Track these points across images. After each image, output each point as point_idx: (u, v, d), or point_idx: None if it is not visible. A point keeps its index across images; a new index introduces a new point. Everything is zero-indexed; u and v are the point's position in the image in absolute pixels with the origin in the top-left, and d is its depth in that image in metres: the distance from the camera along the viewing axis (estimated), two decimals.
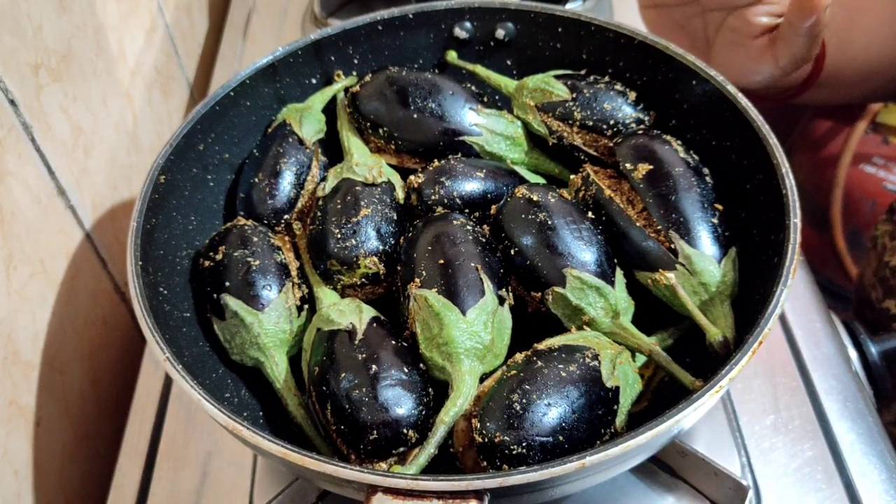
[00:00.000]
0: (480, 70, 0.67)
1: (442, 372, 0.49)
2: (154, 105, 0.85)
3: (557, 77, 0.62)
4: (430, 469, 0.45)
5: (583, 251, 0.51)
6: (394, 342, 0.50)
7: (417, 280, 0.51)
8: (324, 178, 0.61)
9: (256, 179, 0.61)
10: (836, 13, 0.70)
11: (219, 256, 0.56)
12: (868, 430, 0.58)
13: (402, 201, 0.59)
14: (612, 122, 0.60)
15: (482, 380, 0.49)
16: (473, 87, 0.64)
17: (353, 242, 0.54)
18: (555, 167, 0.64)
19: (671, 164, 0.54)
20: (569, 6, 0.86)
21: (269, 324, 0.53)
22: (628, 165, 0.55)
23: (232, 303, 0.53)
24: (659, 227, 0.52)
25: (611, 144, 0.59)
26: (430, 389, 0.49)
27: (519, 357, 0.49)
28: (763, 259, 0.51)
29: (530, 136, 0.64)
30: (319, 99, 0.66)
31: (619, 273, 0.53)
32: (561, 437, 0.44)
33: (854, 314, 0.87)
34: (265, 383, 0.54)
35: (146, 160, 0.81)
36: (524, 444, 0.43)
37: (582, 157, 0.61)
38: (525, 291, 0.53)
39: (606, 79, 0.62)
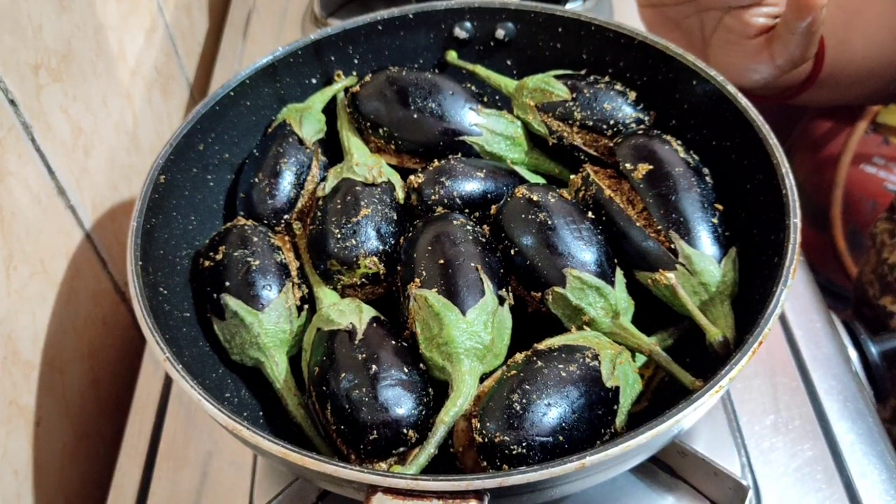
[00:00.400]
0: (480, 70, 0.67)
1: (442, 372, 0.49)
2: (154, 105, 0.85)
3: (557, 77, 0.62)
4: (430, 469, 0.45)
5: (583, 251, 0.51)
6: (394, 342, 0.50)
7: (417, 280, 0.51)
8: (324, 178, 0.61)
9: (256, 179, 0.61)
10: (835, 14, 0.70)
11: (219, 256, 0.56)
12: (868, 430, 0.58)
13: (402, 201, 0.59)
14: (612, 122, 0.60)
15: (482, 380, 0.49)
16: (473, 87, 0.64)
17: (353, 242, 0.54)
18: (555, 167, 0.64)
19: (671, 164, 0.54)
20: (569, 6, 0.86)
21: (269, 324, 0.53)
22: (628, 165, 0.55)
23: (232, 303, 0.53)
24: (659, 227, 0.52)
25: (611, 144, 0.59)
26: (430, 389, 0.49)
27: (519, 357, 0.49)
28: (763, 259, 0.51)
29: (530, 136, 0.64)
30: (319, 99, 0.66)
31: (619, 273, 0.53)
32: (561, 437, 0.44)
33: (853, 312, 0.87)
34: (265, 383, 0.54)
35: (146, 160, 0.81)
36: (524, 444, 0.43)
37: (582, 157, 0.61)
38: (525, 291, 0.53)
39: (606, 79, 0.62)
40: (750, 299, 0.50)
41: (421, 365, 0.50)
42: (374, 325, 0.51)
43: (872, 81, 0.75)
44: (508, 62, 0.69)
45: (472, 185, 0.58)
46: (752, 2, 0.64)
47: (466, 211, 0.57)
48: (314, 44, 0.66)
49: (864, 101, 0.99)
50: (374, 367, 0.47)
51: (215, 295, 0.54)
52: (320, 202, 0.58)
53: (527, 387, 0.45)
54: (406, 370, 0.48)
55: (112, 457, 0.63)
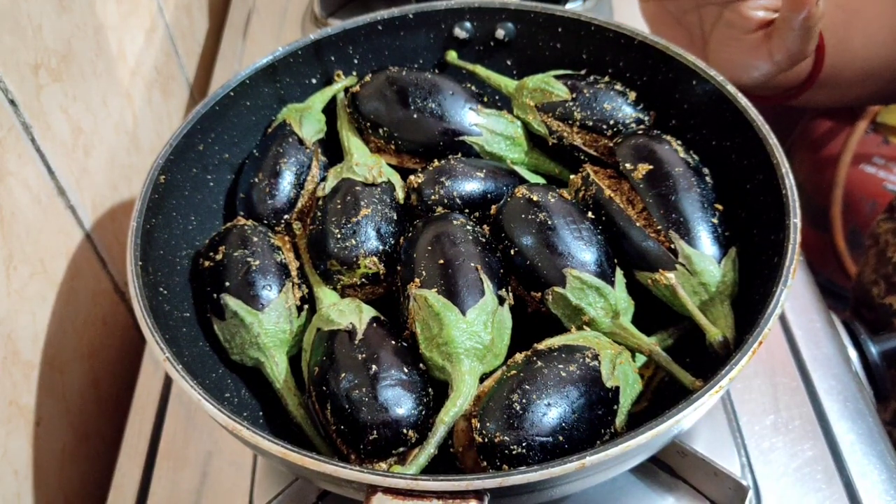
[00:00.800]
0: (480, 70, 0.67)
1: (442, 372, 0.49)
2: (154, 105, 0.85)
3: (557, 77, 0.62)
4: (430, 469, 0.45)
5: (583, 251, 0.51)
6: (394, 342, 0.50)
7: (417, 280, 0.51)
8: (324, 178, 0.61)
9: (256, 179, 0.61)
10: (834, 14, 0.70)
11: (219, 256, 0.56)
12: (868, 430, 0.58)
13: (402, 201, 0.59)
14: (612, 122, 0.60)
15: (482, 380, 0.49)
16: (473, 87, 0.64)
17: (353, 242, 0.54)
18: (555, 167, 0.64)
19: (671, 164, 0.54)
20: (569, 6, 0.86)
21: (269, 324, 0.53)
22: (628, 165, 0.55)
23: (232, 303, 0.53)
24: (659, 227, 0.52)
25: (611, 144, 0.59)
26: (430, 389, 0.49)
27: (519, 357, 0.49)
28: (763, 259, 0.51)
29: (530, 136, 0.64)
30: (319, 99, 0.66)
31: (619, 273, 0.53)
32: (561, 437, 0.44)
33: (852, 313, 0.87)
34: (265, 383, 0.54)
35: (146, 160, 0.81)
36: (524, 444, 0.43)
37: (582, 157, 0.62)
38: (525, 291, 0.53)
39: (606, 79, 0.62)
40: (750, 299, 0.50)
41: (421, 365, 0.50)
42: (374, 325, 0.51)
43: (873, 81, 0.75)
44: (508, 62, 0.69)
45: (472, 185, 0.58)
46: None
47: (466, 211, 0.57)
48: (314, 44, 0.66)
49: (865, 101, 0.99)
50: (374, 367, 0.47)
51: (215, 295, 0.54)
52: (320, 202, 0.58)
53: (527, 387, 0.45)
54: (406, 370, 0.48)
55: (112, 457, 0.63)
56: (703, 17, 0.69)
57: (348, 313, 0.51)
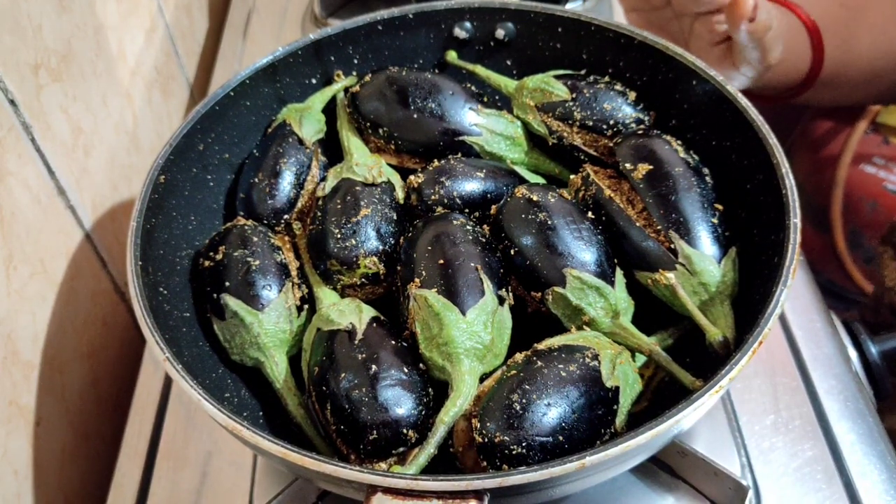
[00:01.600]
0: (480, 70, 0.67)
1: (442, 372, 0.49)
2: (154, 105, 0.85)
3: (557, 77, 0.62)
4: (430, 469, 0.45)
5: (583, 251, 0.51)
6: (394, 342, 0.50)
7: (417, 280, 0.51)
8: (324, 178, 0.62)
9: (256, 179, 0.61)
10: (837, 12, 0.70)
11: (219, 256, 0.56)
12: (868, 430, 0.58)
13: (402, 201, 0.59)
14: (612, 122, 0.60)
15: (482, 380, 0.49)
16: (473, 87, 0.64)
17: (353, 242, 0.54)
18: (555, 167, 0.64)
19: (671, 164, 0.54)
20: (569, 6, 0.86)
21: (269, 324, 0.53)
22: (628, 165, 0.55)
23: (232, 303, 0.53)
24: (659, 227, 0.52)
25: (611, 144, 0.59)
26: (430, 389, 0.49)
27: (519, 357, 0.49)
28: (763, 259, 0.51)
29: (530, 136, 0.64)
30: (319, 99, 0.66)
31: (619, 273, 0.53)
32: (561, 437, 0.44)
33: (862, 318, 0.86)
34: (265, 383, 0.54)
35: (146, 160, 0.81)
36: (524, 444, 0.43)
37: (582, 157, 0.62)
38: (525, 291, 0.53)
39: (606, 79, 0.62)
40: (750, 299, 0.50)
41: (421, 365, 0.50)
42: (374, 325, 0.51)
43: (880, 81, 0.75)
44: (508, 62, 0.69)
45: (472, 185, 0.58)
46: (715, 8, 0.64)
47: (466, 211, 0.57)
48: (314, 44, 0.66)
49: (872, 101, 0.99)
50: (373, 367, 0.47)
51: (215, 295, 0.54)
52: (320, 202, 0.58)
53: (527, 387, 0.45)
54: (406, 370, 0.48)
55: (112, 457, 0.63)
56: (682, 27, 0.70)
57: (348, 313, 0.51)
